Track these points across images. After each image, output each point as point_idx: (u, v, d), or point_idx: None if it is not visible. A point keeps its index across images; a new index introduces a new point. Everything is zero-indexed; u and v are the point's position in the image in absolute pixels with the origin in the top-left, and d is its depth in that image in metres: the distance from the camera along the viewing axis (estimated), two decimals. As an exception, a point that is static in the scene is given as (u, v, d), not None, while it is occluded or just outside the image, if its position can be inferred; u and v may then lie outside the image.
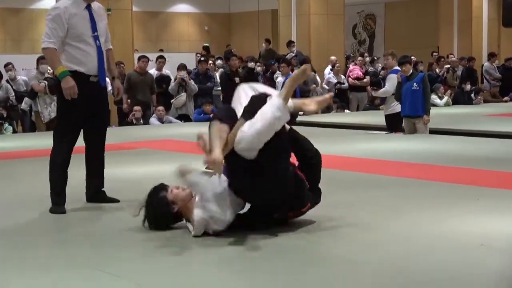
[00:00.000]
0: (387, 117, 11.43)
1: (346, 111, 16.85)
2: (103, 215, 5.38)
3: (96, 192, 5.86)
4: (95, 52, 5.66)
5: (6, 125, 12.87)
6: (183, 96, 14.43)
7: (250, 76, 15.41)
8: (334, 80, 17.42)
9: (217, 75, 15.96)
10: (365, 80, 17.34)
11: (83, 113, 5.67)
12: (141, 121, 13.92)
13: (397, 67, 11.38)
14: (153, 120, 13.97)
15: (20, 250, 4.36)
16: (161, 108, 14.04)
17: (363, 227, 4.81)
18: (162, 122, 13.90)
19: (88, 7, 5.69)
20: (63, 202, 5.53)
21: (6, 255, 4.24)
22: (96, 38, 5.67)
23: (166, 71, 15.49)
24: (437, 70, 19.02)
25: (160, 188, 4.65)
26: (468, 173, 7.21)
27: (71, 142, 5.71)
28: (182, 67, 14.59)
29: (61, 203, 5.49)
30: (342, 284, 3.61)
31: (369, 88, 17.03)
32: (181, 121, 14.42)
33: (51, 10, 5.62)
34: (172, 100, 14.61)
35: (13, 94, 13.71)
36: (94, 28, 5.68)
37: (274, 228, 4.62)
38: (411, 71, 11.10)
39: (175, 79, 14.64)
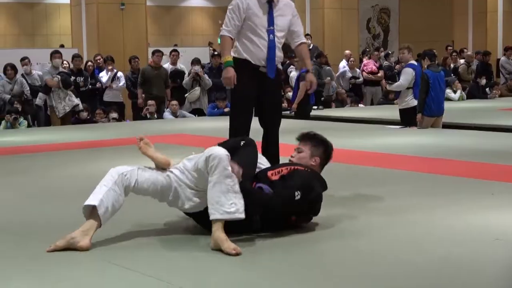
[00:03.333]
0: (402, 111, 11.40)
1: (360, 105, 16.82)
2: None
3: None
4: (265, 46, 5.85)
5: (21, 119, 12.92)
6: (197, 91, 14.45)
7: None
8: (349, 75, 17.39)
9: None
10: (379, 74, 17.29)
11: (249, 98, 5.94)
12: (155, 116, 13.95)
13: (412, 61, 11.37)
14: (167, 114, 14.00)
15: (30, 244, 4.38)
16: (175, 102, 14.06)
17: (376, 221, 4.80)
18: (176, 117, 13.92)
19: (270, 1, 5.87)
20: None
21: (15, 249, 4.26)
22: (271, 32, 5.85)
23: (180, 65, 15.50)
24: (451, 64, 18.95)
25: None
26: (483, 167, 7.18)
27: (241, 126, 5.85)
28: (196, 61, 14.60)
29: None
30: (352, 276, 3.61)
31: (383, 82, 16.99)
32: (195, 116, 14.44)
33: (233, 0, 5.92)
34: (186, 95, 14.63)
35: (28, 88, 13.75)
36: (271, 22, 5.86)
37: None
38: (425, 65, 11.12)
39: (189, 74, 14.65)
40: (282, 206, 4.34)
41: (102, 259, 3.94)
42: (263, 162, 4.87)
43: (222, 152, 4.20)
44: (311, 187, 4.45)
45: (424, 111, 10.78)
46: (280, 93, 6.28)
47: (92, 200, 4.18)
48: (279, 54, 5.97)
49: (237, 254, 3.95)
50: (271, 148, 5.97)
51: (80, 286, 3.55)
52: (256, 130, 6.10)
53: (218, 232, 4.07)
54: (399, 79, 11.70)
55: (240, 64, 5.91)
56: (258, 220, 4.36)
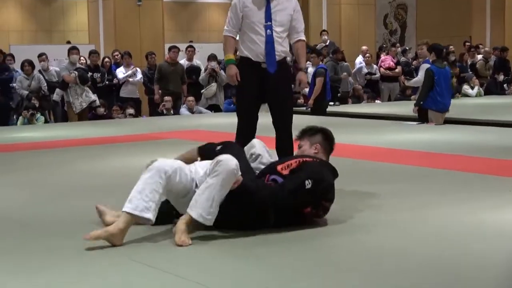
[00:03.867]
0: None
1: (377, 101, 16.77)
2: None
3: None
4: (263, 41, 5.93)
5: (38, 115, 12.98)
6: (213, 87, 14.45)
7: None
8: (365, 70, 17.35)
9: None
10: (396, 70, 17.24)
11: (251, 96, 6.03)
12: (172, 111, 13.97)
13: (430, 57, 11.36)
14: (183, 110, 14.02)
15: (49, 238, 4.40)
16: (191, 98, 14.09)
17: (391, 218, 4.78)
18: (192, 113, 13.94)
19: None
20: None
21: (39, 244, 4.27)
22: (268, 27, 5.92)
23: (196, 61, 15.51)
24: (468, 60, 18.86)
25: None
26: (501, 164, 7.14)
27: (246, 124, 5.97)
28: (212, 57, 14.60)
29: None
30: (361, 271, 3.60)
31: (402, 77, 16.94)
32: (211, 111, 14.45)
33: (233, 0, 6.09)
34: (202, 91, 14.64)
35: (45, 84, 13.82)
36: (267, 17, 5.93)
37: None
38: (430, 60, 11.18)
39: (205, 70, 14.66)
40: (292, 196, 4.34)
41: (123, 255, 3.95)
42: (264, 161, 4.87)
43: (234, 164, 4.19)
44: (321, 175, 4.46)
45: (433, 107, 10.79)
46: (287, 88, 6.17)
47: (146, 212, 4.11)
48: (280, 48, 5.97)
49: (181, 245, 4.05)
50: (283, 145, 5.99)
51: (101, 281, 3.55)
52: (268, 126, 6.11)
53: (182, 224, 4.14)
54: (416, 75, 11.69)
55: (242, 61, 6.05)
56: (272, 217, 4.37)
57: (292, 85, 6.48)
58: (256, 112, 6.09)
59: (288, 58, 6.42)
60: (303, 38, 6.16)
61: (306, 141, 4.90)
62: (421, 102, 10.90)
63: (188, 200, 4.29)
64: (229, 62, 6.05)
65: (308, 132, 4.96)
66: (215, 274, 3.63)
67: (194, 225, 4.23)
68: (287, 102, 6.19)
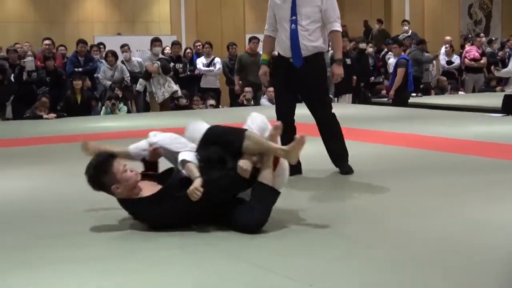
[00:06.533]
0: (507, 97, 11.14)
1: (460, 92, 16.46)
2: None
3: (334, 160, 6.23)
4: (287, 36, 6.01)
5: (121, 105, 13.18)
6: (294, 77, 14.40)
7: (361, 57, 15.25)
8: (445, 59, 17.04)
9: (328, 55, 15.83)
10: (482, 61, 16.88)
11: (282, 91, 6.19)
12: (252, 102, 14.00)
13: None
14: (264, 100, 14.03)
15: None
16: (271, 89, 14.07)
17: (469, 210, 4.69)
18: (273, 103, 13.91)
19: None
20: None
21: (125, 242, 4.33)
22: (293, 22, 5.98)
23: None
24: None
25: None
26: None
27: (281, 118, 5.83)
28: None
29: None
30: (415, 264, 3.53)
31: (492, 67, 16.58)
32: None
33: None
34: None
35: (128, 75, 14.00)
36: (293, 12, 5.99)
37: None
38: None
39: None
40: None
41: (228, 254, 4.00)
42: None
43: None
44: None
45: None
46: (315, 81, 6.11)
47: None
48: (307, 43, 5.96)
49: None
50: (321, 132, 6.17)
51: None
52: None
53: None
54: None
55: (276, 58, 6.27)
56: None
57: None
58: (290, 106, 6.13)
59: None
60: (336, 28, 6.05)
61: None
62: None
63: None
64: (262, 63, 6.28)
65: None
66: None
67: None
68: (316, 93, 6.16)
